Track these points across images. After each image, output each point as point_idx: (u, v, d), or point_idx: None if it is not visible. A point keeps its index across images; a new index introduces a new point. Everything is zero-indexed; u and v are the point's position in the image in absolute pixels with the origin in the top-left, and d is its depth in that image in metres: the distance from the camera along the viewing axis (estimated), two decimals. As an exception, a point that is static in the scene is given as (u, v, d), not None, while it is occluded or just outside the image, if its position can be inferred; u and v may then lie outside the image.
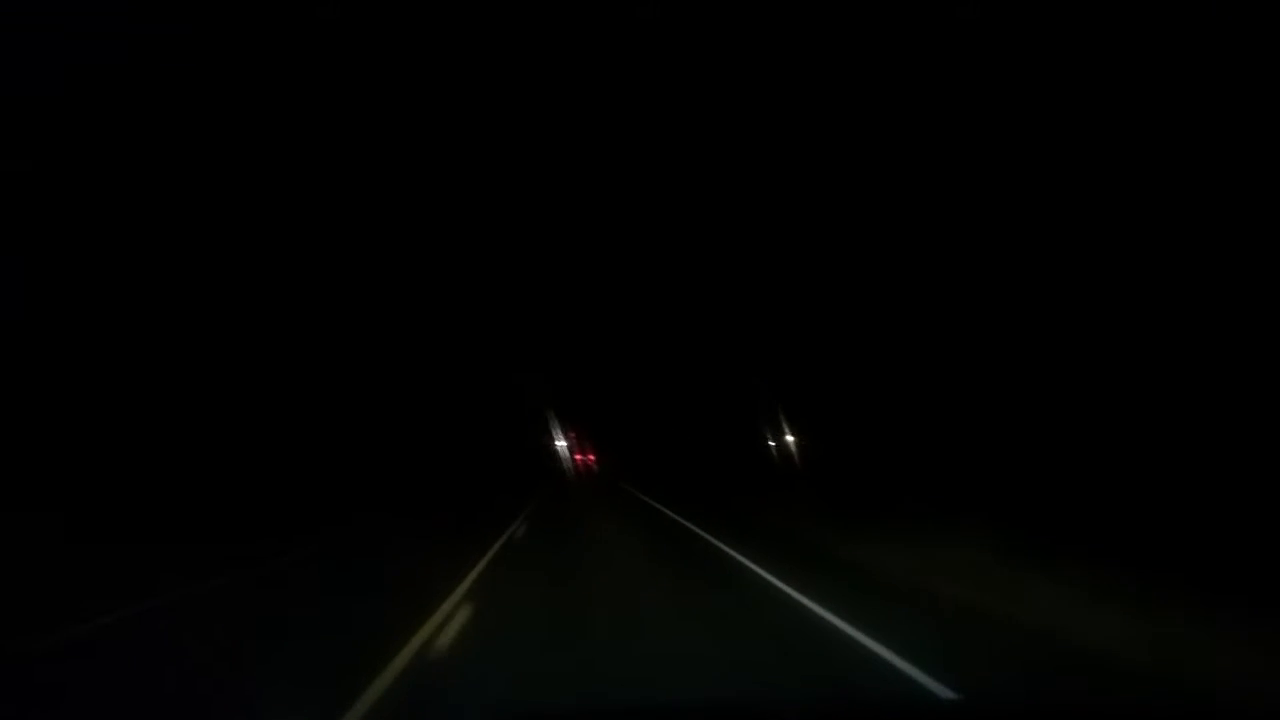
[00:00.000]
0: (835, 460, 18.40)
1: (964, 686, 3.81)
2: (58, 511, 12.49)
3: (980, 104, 11.71)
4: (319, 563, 10.93)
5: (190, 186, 17.36)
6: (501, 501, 22.36)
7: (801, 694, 3.88)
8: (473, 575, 8.25)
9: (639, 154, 23.31)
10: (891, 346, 16.78)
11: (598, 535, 13.12)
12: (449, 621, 5.69)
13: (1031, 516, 8.92)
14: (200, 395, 18.73)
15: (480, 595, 7.01)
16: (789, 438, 20.58)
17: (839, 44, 13.83)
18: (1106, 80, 9.41)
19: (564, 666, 4.46)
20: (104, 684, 4.94)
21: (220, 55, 14.18)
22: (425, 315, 34.52)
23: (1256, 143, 8.13)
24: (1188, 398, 8.72)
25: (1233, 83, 8.36)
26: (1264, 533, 6.13)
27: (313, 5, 13.64)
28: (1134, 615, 4.71)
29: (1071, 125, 10.00)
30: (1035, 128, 10.53)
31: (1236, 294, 8.34)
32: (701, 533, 11.62)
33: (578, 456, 57.62)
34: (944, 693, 3.77)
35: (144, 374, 17.91)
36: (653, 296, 28.57)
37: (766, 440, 22.05)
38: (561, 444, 53.36)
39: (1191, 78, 8.65)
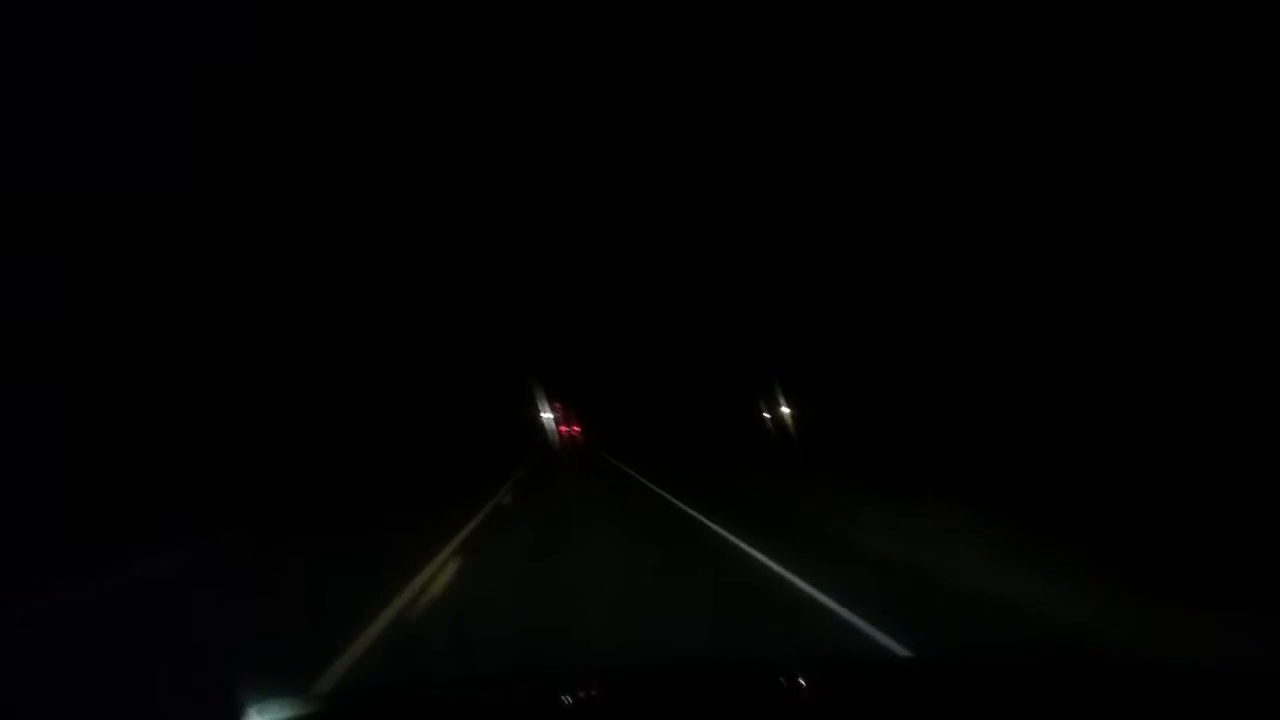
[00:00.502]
0: (829, 431, 19.13)
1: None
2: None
3: (975, 86, 12.14)
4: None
5: (196, 181, 17.32)
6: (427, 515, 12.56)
7: (756, 651, 4.12)
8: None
9: (624, 125, 23.45)
10: (884, 322, 17.45)
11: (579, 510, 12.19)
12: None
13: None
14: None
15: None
16: (784, 409, 21.33)
17: (840, 37, 14.17)
18: (1108, 76, 9.77)
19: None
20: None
21: (222, 55, 14.11)
22: (410, 291, 34.34)
23: (1254, 139, 8.46)
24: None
25: (1232, 81, 8.65)
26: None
27: (315, 4, 13.63)
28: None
29: (1072, 117, 10.38)
30: (1032, 117, 10.94)
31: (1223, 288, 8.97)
32: (696, 514, 10.53)
33: (563, 429, 58.30)
34: (900, 650, 4.09)
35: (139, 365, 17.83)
36: (641, 269, 28.91)
37: (761, 411, 22.80)
38: (547, 416, 53.93)
39: (1192, 75, 9.01)
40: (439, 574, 6.84)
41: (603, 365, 45.83)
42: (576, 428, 61.96)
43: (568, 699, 2.12)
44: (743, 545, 7.71)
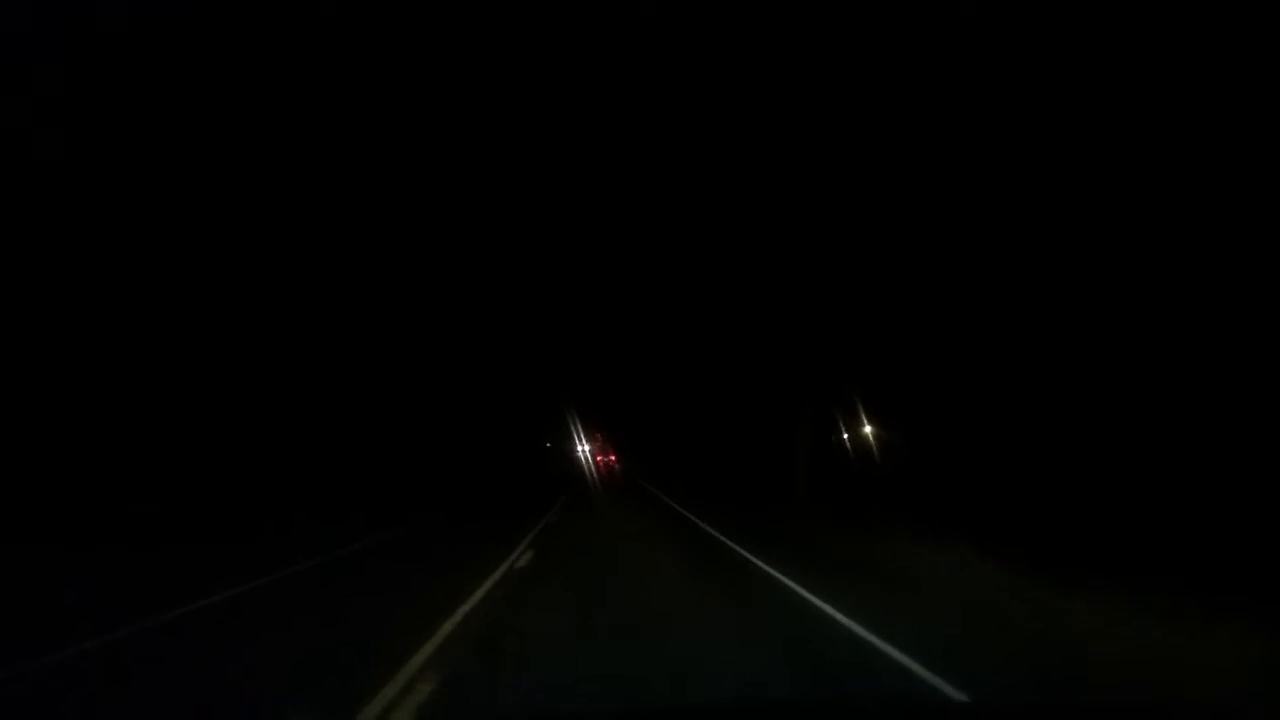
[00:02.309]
0: (923, 455, 16.64)
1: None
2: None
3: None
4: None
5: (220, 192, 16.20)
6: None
7: (813, 696, 3.98)
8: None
9: (661, 146, 21.67)
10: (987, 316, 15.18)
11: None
12: None
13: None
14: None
15: None
16: (866, 428, 18.97)
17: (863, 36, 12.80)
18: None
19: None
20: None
21: (221, 53, 12.52)
22: (448, 326, 33.51)
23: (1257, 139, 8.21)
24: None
25: (1232, 81, 8.44)
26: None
27: (317, 4, 11.94)
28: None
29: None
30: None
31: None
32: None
33: (599, 459, 56.05)
34: (955, 695, 3.93)
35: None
36: (686, 277, 26.49)
37: (839, 431, 20.40)
38: (583, 449, 51.55)
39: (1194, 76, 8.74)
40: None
41: (644, 388, 43.45)
42: (614, 457, 59.84)
43: None
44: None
